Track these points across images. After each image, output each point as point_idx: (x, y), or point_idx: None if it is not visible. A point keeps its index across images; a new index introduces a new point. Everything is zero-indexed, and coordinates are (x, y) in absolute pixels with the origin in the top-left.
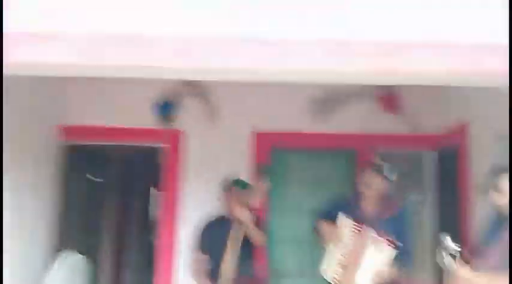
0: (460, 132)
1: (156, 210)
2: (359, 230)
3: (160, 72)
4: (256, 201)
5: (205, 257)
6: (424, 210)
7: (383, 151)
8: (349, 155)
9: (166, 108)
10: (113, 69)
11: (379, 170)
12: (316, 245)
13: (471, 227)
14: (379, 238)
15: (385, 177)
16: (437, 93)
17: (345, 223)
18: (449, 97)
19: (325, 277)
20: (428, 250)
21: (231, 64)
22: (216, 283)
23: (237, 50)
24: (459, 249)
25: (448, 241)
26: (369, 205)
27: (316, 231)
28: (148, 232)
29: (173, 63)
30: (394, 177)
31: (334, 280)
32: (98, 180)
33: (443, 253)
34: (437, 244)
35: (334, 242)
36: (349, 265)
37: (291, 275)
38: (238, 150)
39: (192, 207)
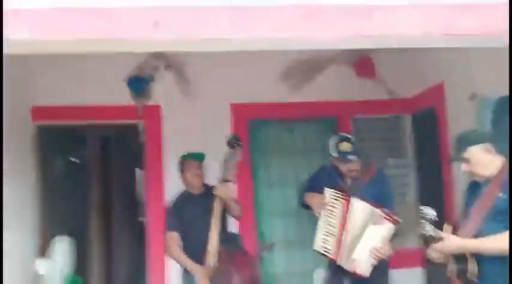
0: (436, 93)
1: (142, 189)
2: (343, 198)
3: (132, 44)
4: (230, 172)
5: (175, 234)
6: (405, 174)
7: (361, 117)
8: (328, 123)
9: (140, 83)
10: (83, 44)
11: (346, 140)
12: (304, 216)
13: (451, 190)
14: (380, 213)
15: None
16: (412, 56)
17: (329, 193)
18: (423, 59)
19: (316, 249)
20: (411, 215)
21: (203, 34)
22: (198, 259)
23: (209, 19)
24: (435, 216)
25: (427, 210)
26: (350, 172)
27: (303, 206)
28: (136, 211)
29: (145, 35)
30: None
31: (325, 250)
32: (77, 161)
33: (424, 223)
34: (419, 217)
35: (322, 212)
36: (338, 235)
37: (280, 246)
38: (216, 123)
39: (175, 183)
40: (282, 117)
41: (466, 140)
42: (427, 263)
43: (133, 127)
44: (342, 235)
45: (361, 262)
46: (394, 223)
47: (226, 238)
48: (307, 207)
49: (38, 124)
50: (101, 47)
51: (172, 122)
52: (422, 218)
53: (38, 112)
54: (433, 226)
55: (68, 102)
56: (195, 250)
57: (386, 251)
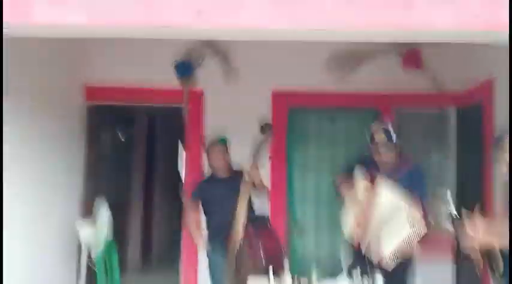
0: (485, 89)
1: (183, 169)
2: (373, 186)
3: (176, 32)
4: (261, 157)
5: (196, 214)
6: (447, 169)
7: (406, 111)
8: (371, 115)
9: (186, 69)
10: (133, 30)
11: (383, 131)
12: (336, 203)
13: (490, 187)
14: (416, 209)
15: (389, 138)
16: (461, 50)
17: (359, 179)
18: (474, 54)
19: (345, 234)
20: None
21: (245, 23)
22: (223, 239)
23: (251, 8)
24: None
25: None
26: (385, 163)
27: (335, 185)
28: (176, 188)
29: (188, 23)
30: (394, 138)
31: (352, 237)
32: (122, 139)
33: (447, 208)
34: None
35: (350, 198)
36: (363, 223)
37: (311, 231)
38: (257, 110)
39: None
40: (324, 106)
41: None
42: (457, 257)
43: (178, 110)
44: (367, 223)
45: (386, 256)
46: (425, 223)
47: (253, 218)
48: (336, 186)
49: (90, 104)
50: (146, 34)
51: (214, 107)
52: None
53: (91, 92)
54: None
55: (119, 83)
56: (223, 230)
57: (413, 250)
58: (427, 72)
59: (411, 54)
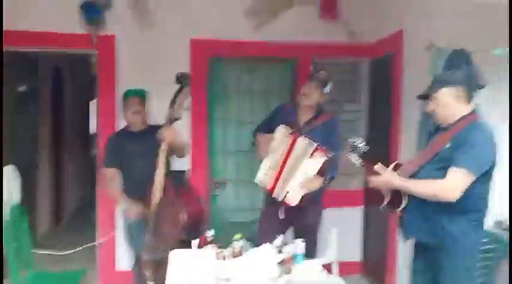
0: (395, 40)
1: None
2: (292, 134)
3: None
4: (178, 111)
5: (112, 170)
6: (357, 118)
7: (320, 61)
8: (289, 64)
9: (94, 11)
10: None
11: (318, 82)
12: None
13: (398, 135)
14: (313, 146)
15: (323, 89)
16: (375, 1)
17: (279, 132)
18: (386, 5)
19: (256, 181)
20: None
21: None
22: (142, 196)
23: None
24: (366, 147)
25: (358, 141)
26: (303, 115)
27: (253, 144)
28: (87, 144)
29: None
30: (329, 89)
31: (264, 183)
32: (25, 89)
33: (353, 154)
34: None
35: (268, 151)
36: (279, 169)
37: (232, 184)
38: (174, 58)
39: None
40: (243, 56)
41: (440, 80)
42: (366, 202)
43: (86, 58)
44: (282, 169)
45: (291, 192)
46: (326, 157)
47: (172, 175)
48: (256, 145)
49: None
50: None
51: (127, 54)
52: (351, 148)
53: None
54: (358, 157)
55: (21, 27)
56: (139, 187)
57: (316, 183)
58: (343, 23)
59: (327, 4)
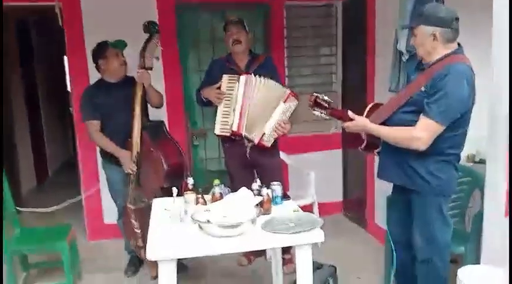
0: None
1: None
2: (236, 79)
3: None
4: (148, 60)
5: (95, 122)
6: (332, 63)
7: (293, 4)
8: (261, 10)
9: None
10: None
11: (239, 25)
12: None
13: (372, 78)
14: (286, 91)
15: (246, 31)
16: None
17: (224, 78)
18: None
19: (216, 133)
20: (336, 102)
21: None
22: (121, 146)
23: None
24: (329, 100)
25: (320, 96)
26: (240, 61)
27: (203, 103)
28: (64, 100)
29: None
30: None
31: (224, 130)
32: None
33: (317, 108)
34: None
35: (215, 93)
36: (239, 109)
37: (210, 134)
38: (141, 7)
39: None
40: (213, 2)
41: (420, 15)
42: (344, 144)
43: (52, 10)
44: (242, 108)
45: (267, 134)
46: (297, 99)
47: (149, 125)
48: (207, 103)
49: None
50: None
51: (92, 5)
52: (309, 105)
53: None
54: (323, 109)
55: None
56: (117, 138)
57: (288, 128)
58: None
59: None
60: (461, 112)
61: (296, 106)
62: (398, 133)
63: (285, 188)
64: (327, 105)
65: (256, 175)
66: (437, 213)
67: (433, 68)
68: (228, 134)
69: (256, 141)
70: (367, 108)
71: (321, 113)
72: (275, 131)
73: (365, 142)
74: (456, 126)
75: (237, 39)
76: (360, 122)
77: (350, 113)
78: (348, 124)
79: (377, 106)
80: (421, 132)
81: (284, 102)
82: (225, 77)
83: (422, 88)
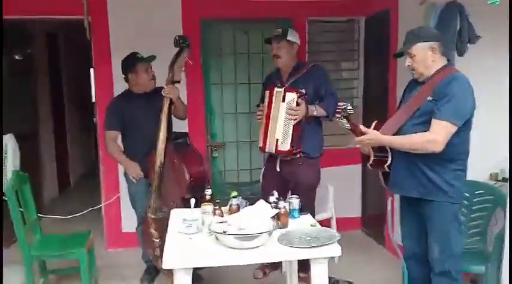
0: None
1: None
2: (270, 91)
3: None
4: (177, 73)
5: (114, 132)
6: (354, 78)
7: (317, 19)
8: (285, 24)
9: None
10: None
11: (277, 38)
12: (253, 117)
13: (394, 92)
14: (281, 89)
15: (286, 42)
16: None
17: (266, 93)
18: None
19: (259, 145)
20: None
21: None
22: (143, 157)
23: None
24: (352, 110)
25: (346, 105)
26: (284, 73)
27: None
28: (87, 111)
29: None
30: (292, 35)
31: (260, 146)
32: (19, 57)
33: (339, 116)
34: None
35: (259, 116)
36: (265, 124)
37: (230, 146)
38: (166, 20)
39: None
40: (236, 17)
41: (414, 36)
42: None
43: (80, 24)
44: (267, 122)
45: (280, 139)
46: (297, 93)
47: (174, 136)
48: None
49: None
50: None
51: (119, 18)
52: (338, 113)
53: None
54: (347, 120)
55: None
56: (141, 148)
57: (301, 110)
58: None
59: None
60: (470, 113)
61: (299, 96)
62: (414, 140)
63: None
64: (349, 114)
65: (285, 190)
66: (453, 221)
67: (435, 78)
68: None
69: (274, 150)
70: (372, 125)
71: (346, 124)
72: (289, 121)
73: (372, 158)
74: (466, 129)
75: (275, 55)
76: (373, 135)
77: (362, 127)
78: (361, 138)
79: (382, 123)
80: (436, 134)
81: (283, 101)
82: (266, 93)
83: (429, 98)
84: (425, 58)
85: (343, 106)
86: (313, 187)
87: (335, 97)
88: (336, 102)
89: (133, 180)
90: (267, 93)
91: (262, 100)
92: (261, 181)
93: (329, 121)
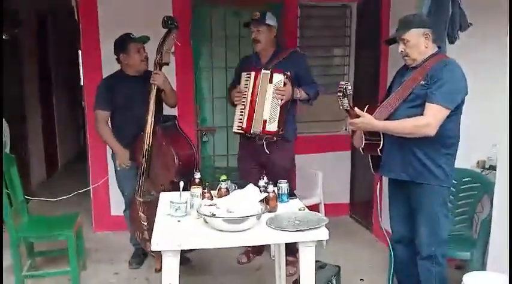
0: None
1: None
2: (249, 76)
3: None
4: (166, 55)
5: (104, 112)
6: (345, 64)
7: (309, 4)
8: (275, 8)
9: None
10: None
11: (256, 23)
12: None
13: (385, 77)
14: (268, 71)
15: (265, 25)
16: None
17: (242, 77)
18: None
19: (234, 131)
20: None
21: None
22: (131, 139)
23: None
24: (350, 90)
25: (347, 84)
26: (263, 57)
27: (230, 101)
28: (76, 93)
29: None
30: (271, 19)
31: (239, 128)
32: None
33: (341, 96)
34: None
35: (238, 98)
36: (250, 107)
37: (220, 130)
38: (156, 3)
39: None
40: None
41: (408, 22)
42: (353, 146)
43: (69, 5)
44: (252, 105)
45: (268, 120)
46: (284, 74)
47: (162, 119)
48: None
49: None
50: None
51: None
52: (340, 91)
53: None
54: (347, 100)
55: None
56: (129, 130)
57: (287, 91)
58: None
59: None
60: (462, 97)
61: (287, 77)
62: (407, 124)
63: (292, 187)
64: (349, 94)
65: (263, 172)
66: (441, 205)
67: (427, 63)
68: (242, 132)
69: (259, 131)
70: (365, 109)
71: (346, 103)
72: (275, 100)
73: (363, 141)
74: (457, 114)
75: (254, 39)
76: (368, 119)
77: (357, 110)
78: (355, 120)
79: (374, 107)
80: (429, 118)
81: (270, 82)
82: (243, 75)
83: (422, 82)
84: (419, 43)
85: (344, 86)
86: (289, 171)
87: (315, 82)
88: (316, 87)
89: (118, 167)
90: (251, 75)
91: (235, 82)
92: (239, 164)
93: (310, 106)
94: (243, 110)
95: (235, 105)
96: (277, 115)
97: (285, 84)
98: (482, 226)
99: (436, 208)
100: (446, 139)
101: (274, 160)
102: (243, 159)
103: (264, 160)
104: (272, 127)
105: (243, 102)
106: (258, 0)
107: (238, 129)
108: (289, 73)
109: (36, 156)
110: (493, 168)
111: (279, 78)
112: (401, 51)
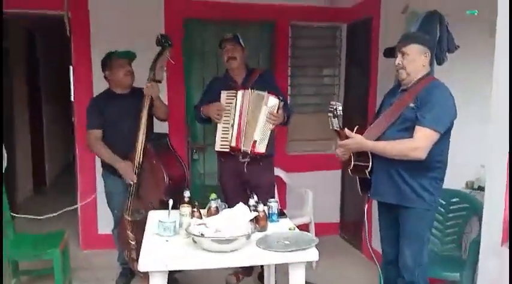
0: (372, 4)
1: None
2: (235, 93)
3: None
4: (159, 73)
5: (97, 131)
6: (335, 84)
7: (300, 24)
8: (267, 27)
9: None
10: None
11: (232, 42)
12: None
13: (375, 98)
14: (265, 93)
15: (241, 45)
16: None
17: (223, 95)
18: None
19: (216, 149)
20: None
21: None
22: (123, 158)
23: None
24: (340, 110)
25: (338, 105)
26: (237, 76)
27: (202, 120)
28: (66, 110)
29: None
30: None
31: (224, 147)
32: None
33: (331, 117)
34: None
35: (216, 110)
36: (237, 125)
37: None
38: (148, 20)
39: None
40: (219, 18)
41: (411, 36)
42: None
43: (60, 21)
44: (240, 123)
45: (259, 140)
46: (279, 99)
47: (153, 137)
48: (206, 120)
49: None
50: None
51: (101, 15)
52: (330, 112)
53: None
54: (337, 121)
55: None
56: (120, 149)
57: (281, 118)
58: None
59: None
60: (451, 120)
61: (280, 102)
62: (397, 146)
63: (282, 206)
64: (339, 115)
65: (249, 191)
66: (426, 229)
67: (417, 85)
68: (227, 150)
69: (249, 150)
70: (354, 130)
71: (336, 124)
72: (268, 123)
73: (352, 163)
74: (446, 138)
75: (231, 56)
76: (358, 139)
77: (347, 131)
78: (346, 141)
79: (363, 129)
80: (419, 142)
81: (266, 104)
82: (224, 93)
83: (411, 104)
84: (417, 60)
85: (335, 106)
86: (273, 185)
87: (286, 103)
88: (288, 108)
89: (131, 182)
90: (238, 94)
91: (203, 102)
92: (221, 183)
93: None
94: (228, 128)
95: (205, 122)
96: (268, 137)
97: (278, 109)
98: (471, 247)
99: (421, 232)
100: (434, 163)
101: (259, 176)
102: (225, 178)
103: (247, 178)
104: (261, 148)
105: (226, 120)
106: (249, 18)
107: (223, 147)
108: (281, 98)
109: (23, 171)
110: (481, 188)
111: (274, 102)
112: (398, 64)
